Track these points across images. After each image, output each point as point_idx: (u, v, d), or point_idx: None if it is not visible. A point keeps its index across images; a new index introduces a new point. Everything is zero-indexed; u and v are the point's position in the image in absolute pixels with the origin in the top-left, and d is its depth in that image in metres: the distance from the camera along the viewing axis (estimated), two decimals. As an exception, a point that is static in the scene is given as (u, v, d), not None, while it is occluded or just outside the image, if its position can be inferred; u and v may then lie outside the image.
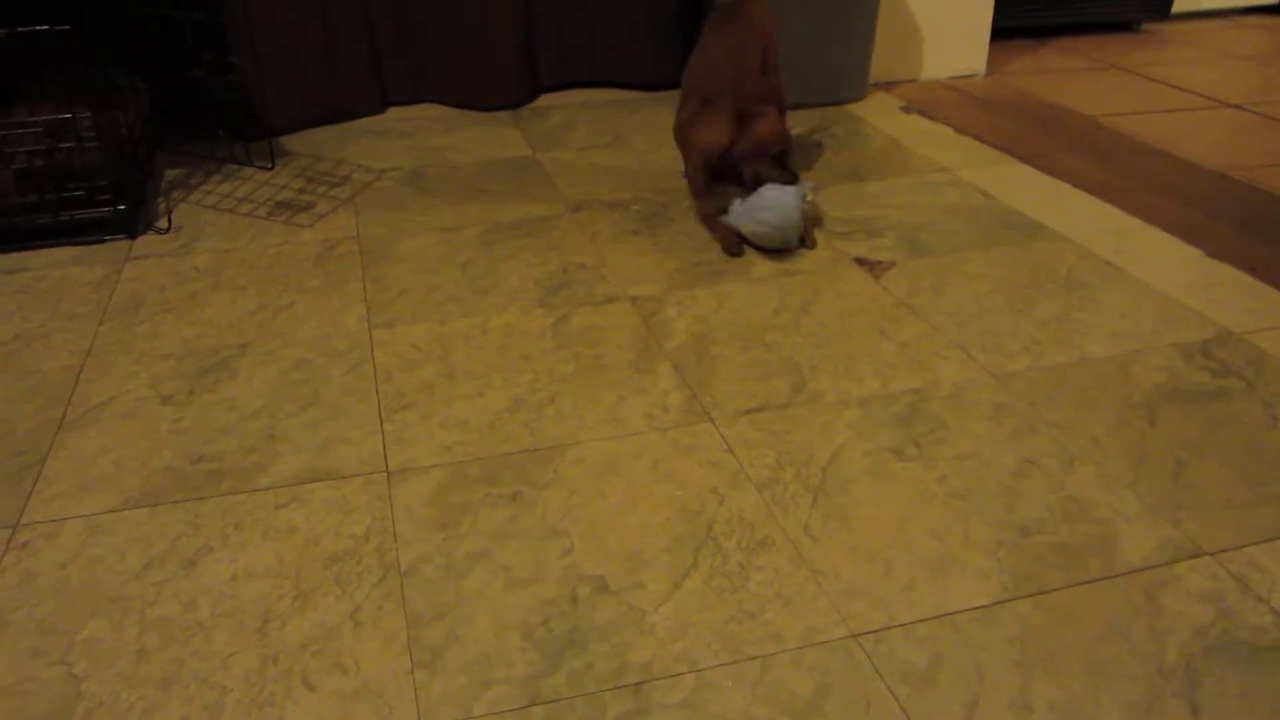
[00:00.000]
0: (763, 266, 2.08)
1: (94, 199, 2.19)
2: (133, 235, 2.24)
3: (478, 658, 1.15)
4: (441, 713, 1.08)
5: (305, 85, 2.92)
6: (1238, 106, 3.19)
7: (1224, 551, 1.30)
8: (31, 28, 2.10)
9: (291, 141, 2.86)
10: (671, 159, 2.70)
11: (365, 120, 3.06)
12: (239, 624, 1.20)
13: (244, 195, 2.47)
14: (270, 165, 2.66)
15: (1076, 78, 3.41)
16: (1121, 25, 4.12)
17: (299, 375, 1.71)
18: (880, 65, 3.35)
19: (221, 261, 2.13)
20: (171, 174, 2.61)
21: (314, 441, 1.54)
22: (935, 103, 3.19)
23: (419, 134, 2.93)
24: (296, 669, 1.14)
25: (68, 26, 2.11)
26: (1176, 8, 4.33)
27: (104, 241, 2.21)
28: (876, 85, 3.36)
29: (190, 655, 1.16)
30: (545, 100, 3.25)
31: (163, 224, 2.30)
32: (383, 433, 1.56)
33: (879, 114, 3.09)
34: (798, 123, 3.01)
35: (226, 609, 1.22)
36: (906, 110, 3.12)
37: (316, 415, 1.60)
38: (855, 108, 3.16)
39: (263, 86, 2.83)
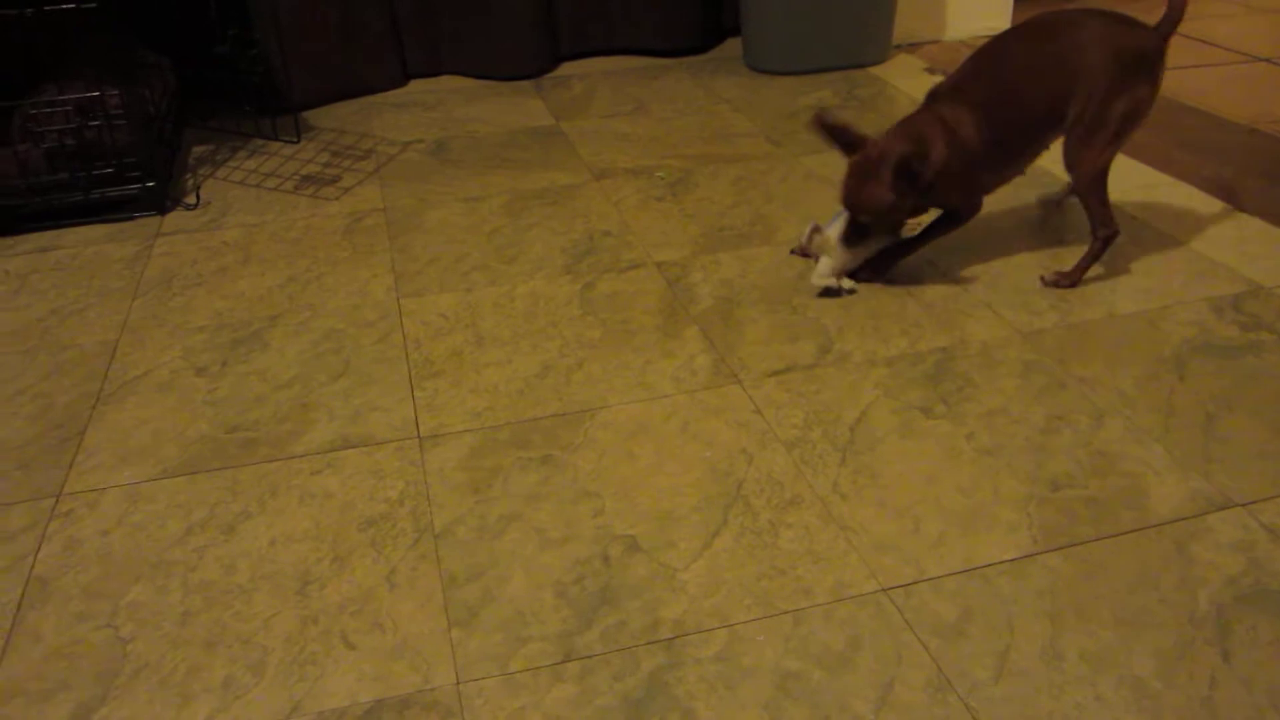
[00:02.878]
0: (787, 230, 2.08)
1: (123, 176, 2.21)
2: (162, 211, 2.26)
3: (512, 616, 1.17)
4: (478, 668, 1.10)
5: (328, 59, 2.93)
6: (1268, 60, 3.14)
7: (1255, 503, 1.30)
8: (58, 6, 2.12)
9: (315, 116, 2.88)
10: (691, 124, 2.70)
11: (388, 93, 3.07)
12: (278, 587, 1.22)
13: (270, 170, 2.49)
14: (296, 139, 2.67)
15: (1103, 35, 3.35)
16: (1149, -19, 4.06)
17: (330, 345, 1.73)
18: (904, 26, 3.31)
19: (250, 235, 2.15)
20: (199, 150, 2.63)
21: (346, 409, 1.56)
22: (959, 63, 3.16)
23: (441, 106, 2.94)
24: (336, 629, 1.16)
25: (94, 4, 2.13)
26: (1205, -39, 4.25)
27: (134, 218, 2.24)
28: (900, 47, 3.33)
29: (232, 617, 1.18)
30: (566, 69, 3.25)
31: (191, 199, 2.33)
32: (414, 399, 1.57)
33: (903, 76, 3.07)
34: (823, 85, 3.00)
35: (266, 572, 1.25)
36: (931, 72, 3.10)
37: (348, 384, 1.62)
38: (879, 70, 3.13)
39: (286, 61, 2.84)
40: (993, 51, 1.78)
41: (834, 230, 1.79)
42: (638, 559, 1.24)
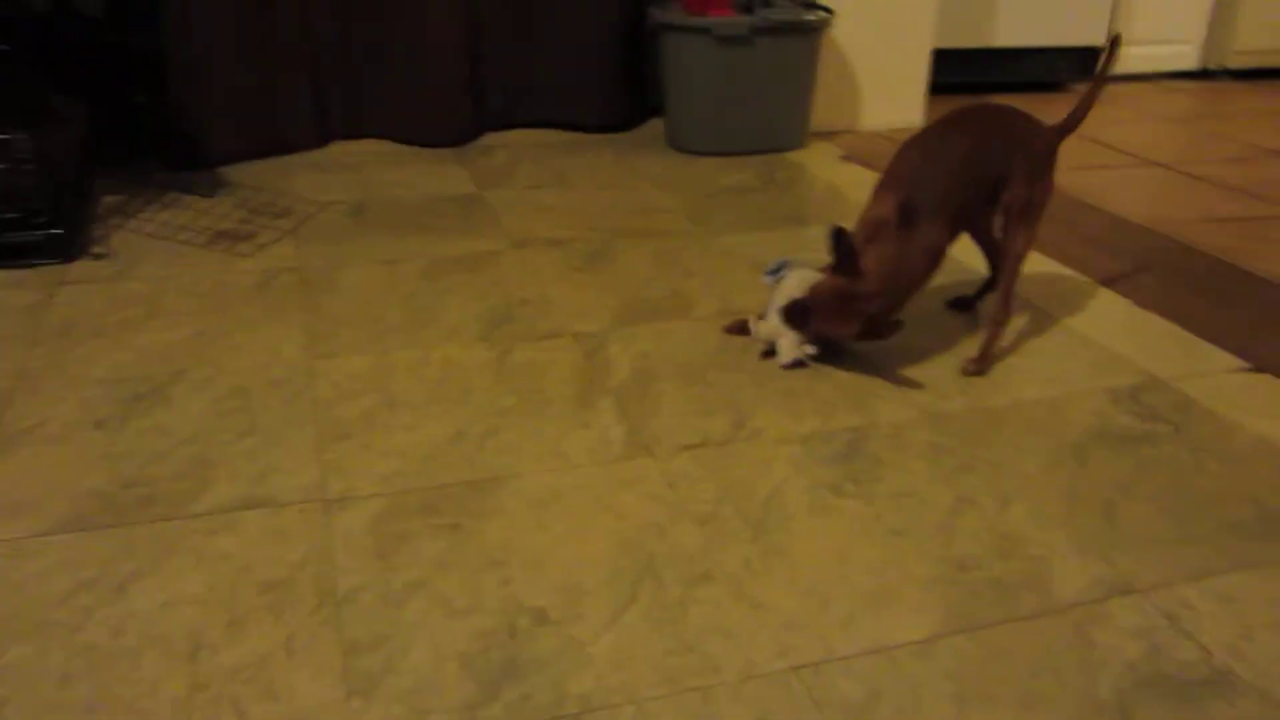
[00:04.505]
0: (705, 306, 2.10)
1: (29, 222, 2.15)
2: (68, 260, 2.20)
3: (414, 687, 1.13)
4: (376, 743, 1.06)
5: (246, 116, 2.91)
6: (1164, 165, 3.31)
7: (1154, 589, 1.33)
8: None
9: (232, 172, 2.84)
10: (612, 199, 2.73)
11: (308, 153, 3.05)
12: (168, 650, 1.17)
13: (183, 224, 2.44)
14: (210, 194, 2.63)
15: (1010, 134, 3.50)
16: (1052, 85, 4.26)
17: (236, 403, 1.68)
18: (821, 115, 3.42)
19: (158, 288, 2.09)
20: (110, 200, 2.57)
21: (250, 469, 1.51)
22: (874, 153, 3.27)
23: (362, 168, 2.92)
24: (227, 695, 1.11)
25: (5, 47, 2.08)
26: (1104, 71, 4.48)
27: (38, 266, 2.16)
28: (817, 134, 3.43)
29: (116, 681, 1.12)
30: (490, 139, 3.27)
31: (99, 250, 2.26)
32: (321, 462, 1.53)
33: (819, 162, 3.15)
34: (743, 168, 3.06)
35: (155, 635, 1.19)
36: (846, 159, 3.19)
37: (253, 443, 1.58)
38: (796, 155, 3.22)
39: (202, 115, 2.81)
40: (944, 145, 1.81)
41: (775, 316, 1.84)
42: (545, 631, 1.22)
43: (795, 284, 1.84)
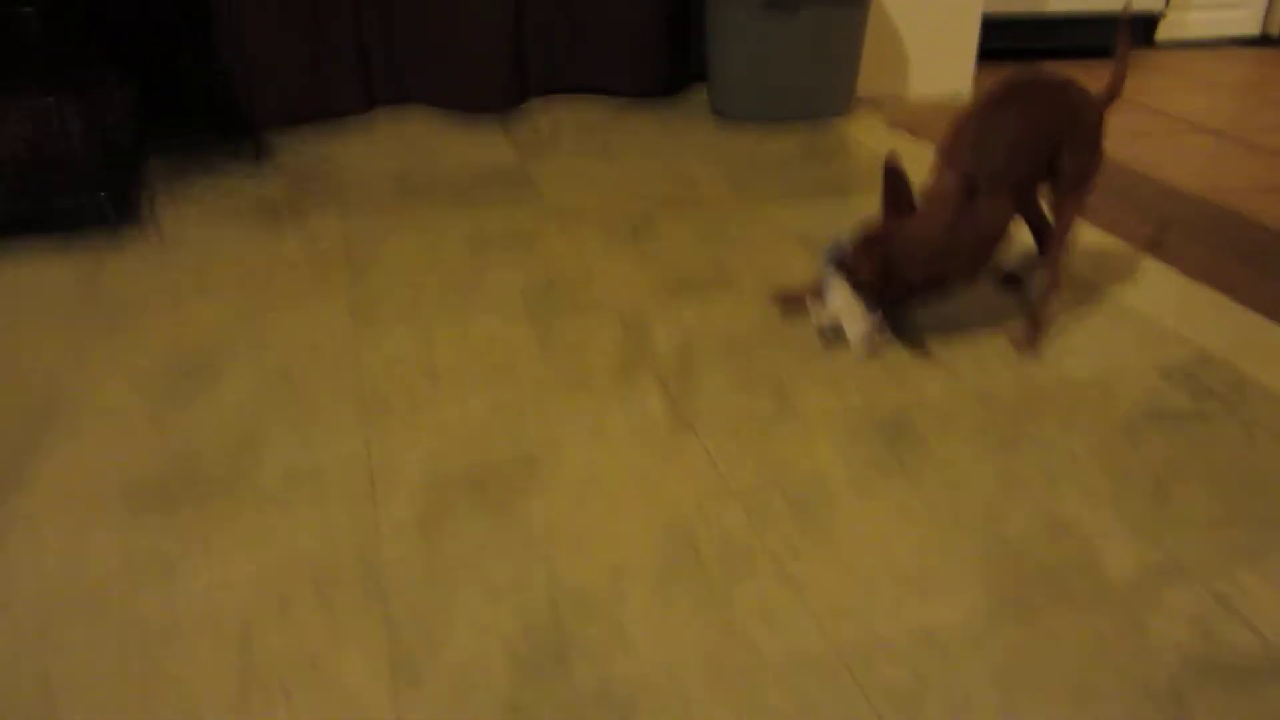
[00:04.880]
0: (748, 279, 2.08)
1: (77, 190, 2.16)
2: (115, 228, 2.21)
3: (459, 671, 1.14)
4: (421, 724, 1.07)
5: (293, 82, 2.91)
6: (1219, 133, 3.22)
7: (1206, 571, 1.30)
8: (10, 9, 2.07)
9: (278, 139, 2.84)
10: (654, 168, 2.70)
11: (352, 119, 3.05)
12: (219, 635, 1.18)
13: (228, 190, 2.45)
14: (256, 161, 2.63)
15: (1060, 99, 3.42)
16: (1104, 51, 4.16)
17: (281, 379, 1.69)
18: (867, 83, 3.36)
19: (205, 259, 2.10)
20: (156, 168, 2.58)
21: (297, 446, 1.52)
22: (920, 121, 3.21)
23: (406, 136, 2.92)
24: (276, 682, 1.12)
25: (30, 7, 2.07)
26: (1159, 36, 4.38)
27: (86, 234, 2.18)
28: (863, 101, 3.37)
29: (168, 659, 1.14)
30: (534, 105, 3.25)
31: (146, 218, 2.28)
32: (365, 438, 1.54)
33: (865, 130, 3.10)
34: (786, 135, 3.02)
35: (205, 615, 1.20)
36: (892, 128, 3.14)
37: (299, 419, 1.58)
38: (841, 123, 3.17)
39: (250, 83, 2.81)
40: (1006, 118, 1.75)
41: (838, 298, 1.79)
42: (588, 614, 1.22)
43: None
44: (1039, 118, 1.76)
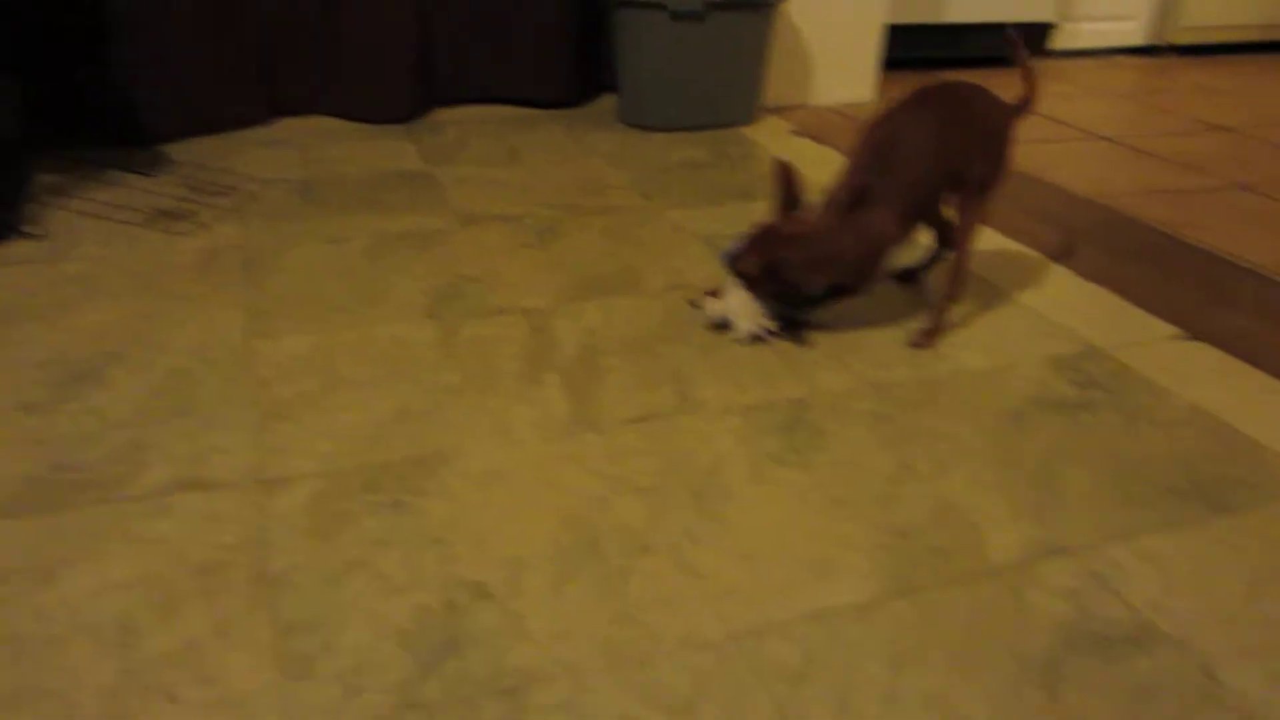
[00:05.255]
0: (654, 281, 2.10)
1: (-41, 203, 2.10)
2: (3, 238, 2.15)
3: (350, 666, 1.13)
4: (311, 720, 1.06)
5: (190, 92, 2.86)
6: (1108, 139, 3.34)
7: (1085, 550, 1.35)
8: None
9: (175, 149, 2.79)
10: (563, 175, 2.72)
11: (253, 130, 3.01)
12: (98, 638, 1.15)
13: (123, 202, 2.40)
14: (150, 172, 2.58)
15: (959, 107, 3.53)
16: (1002, 60, 4.29)
17: (173, 384, 1.66)
18: (773, 91, 3.42)
19: (96, 269, 2.06)
20: (46, 178, 2.52)
21: (187, 452, 1.49)
22: (825, 128, 3.27)
23: (309, 145, 2.89)
24: (157, 682, 1.10)
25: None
26: (1052, 45, 4.53)
27: (-30, 248, 2.12)
28: (769, 110, 3.43)
29: (43, 670, 1.11)
30: (441, 115, 3.24)
31: (35, 229, 2.22)
32: (259, 443, 1.52)
33: (770, 137, 3.15)
34: (695, 143, 3.06)
35: (84, 623, 1.17)
36: (797, 134, 3.19)
37: (190, 425, 1.56)
38: (747, 130, 3.22)
39: (144, 91, 2.76)
40: (910, 128, 1.78)
41: (731, 295, 1.84)
42: (485, 606, 1.22)
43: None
44: (949, 126, 1.79)
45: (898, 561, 1.32)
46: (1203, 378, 1.80)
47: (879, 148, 1.78)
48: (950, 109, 1.81)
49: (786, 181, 1.78)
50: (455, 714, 1.07)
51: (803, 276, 1.78)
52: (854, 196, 1.75)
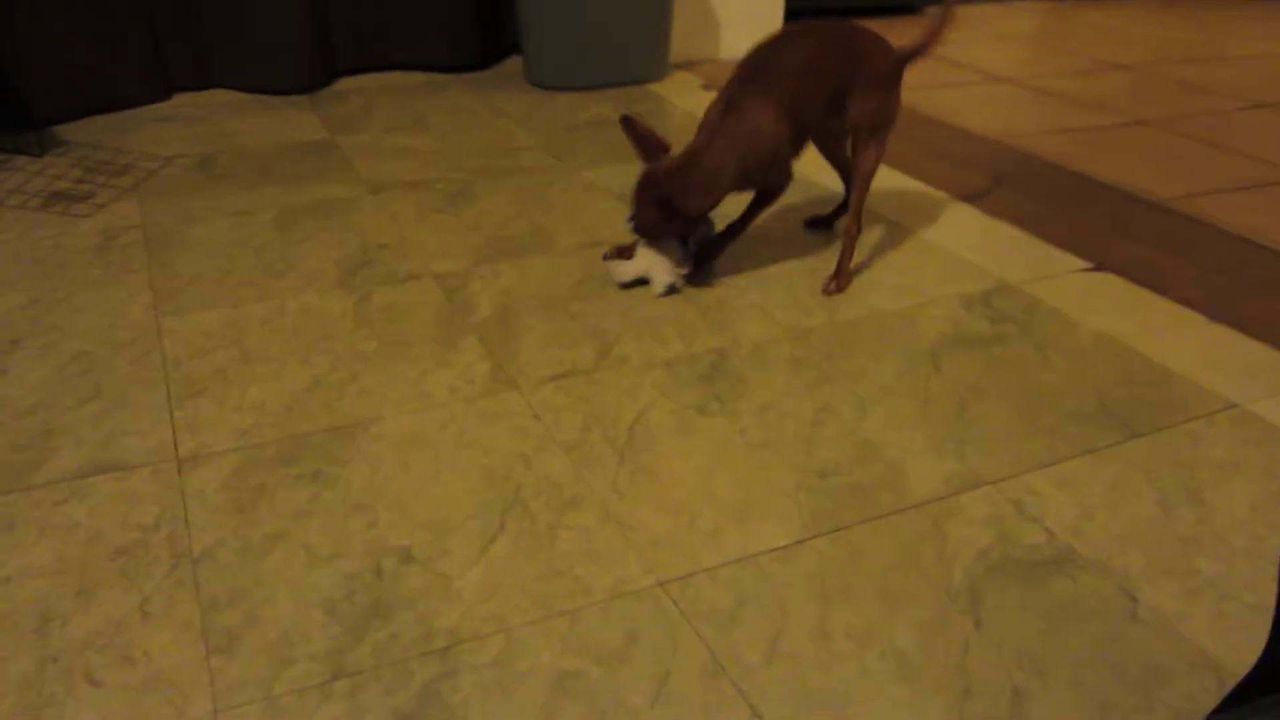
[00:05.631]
0: (568, 239, 2.08)
1: None
2: (-116, 231, 2.06)
3: (277, 638, 1.11)
4: (239, 694, 1.04)
5: (80, 71, 2.75)
6: (1012, 81, 3.39)
7: (1003, 480, 1.38)
8: None
9: (67, 130, 2.69)
10: (472, 139, 2.68)
11: (150, 107, 2.91)
12: (14, 626, 1.12)
13: (14, 186, 2.31)
14: (39, 153, 2.49)
15: (866, 56, 3.55)
16: (907, 8, 4.33)
17: (79, 368, 1.61)
18: (680, 46, 3.40)
19: (-12, 255, 1.98)
20: (-71, 166, 2.41)
21: (96, 435, 1.45)
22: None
23: (208, 120, 2.80)
24: (79, 666, 1.07)
25: None
26: (956, -9, 4.57)
27: None
28: (677, 65, 3.41)
29: (-44, 662, 1.07)
30: (344, 84, 3.17)
31: (-81, 218, 2.13)
32: (172, 421, 1.48)
33: (679, 93, 3.14)
34: (603, 101, 3.03)
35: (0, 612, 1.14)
36: (706, 88, 3.19)
37: (99, 408, 1.51)
38: (657, 87, 3.20)
39: (32, 71, 2.65)
40: (778, 49, 1.79)
41: (644, 254, 1.85)
42: (412, 570, 1.21)
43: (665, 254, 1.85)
44: (823, 54, 1.79)
45: (822, 502, 1.33)
46: (1110, 307, 1.84)
47: (753, 66, 1.79)
48: (827, 40, 1.81)
49: (636, 133, 1.79)
50: (387, 678, 1.06)
51: (698, 198, 1.77)
52: (725, 107, 1.76)
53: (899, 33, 1.93)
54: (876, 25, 1.93)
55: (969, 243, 2.10)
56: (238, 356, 1.65)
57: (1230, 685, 1.06)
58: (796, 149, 1.84)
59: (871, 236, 2.11)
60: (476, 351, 1.67)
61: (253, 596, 1.17)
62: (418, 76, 3.26)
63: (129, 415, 1.49)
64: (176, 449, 1.42)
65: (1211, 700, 1.06)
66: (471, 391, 1.56)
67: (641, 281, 1.87)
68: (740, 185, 1.81)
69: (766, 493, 1.35)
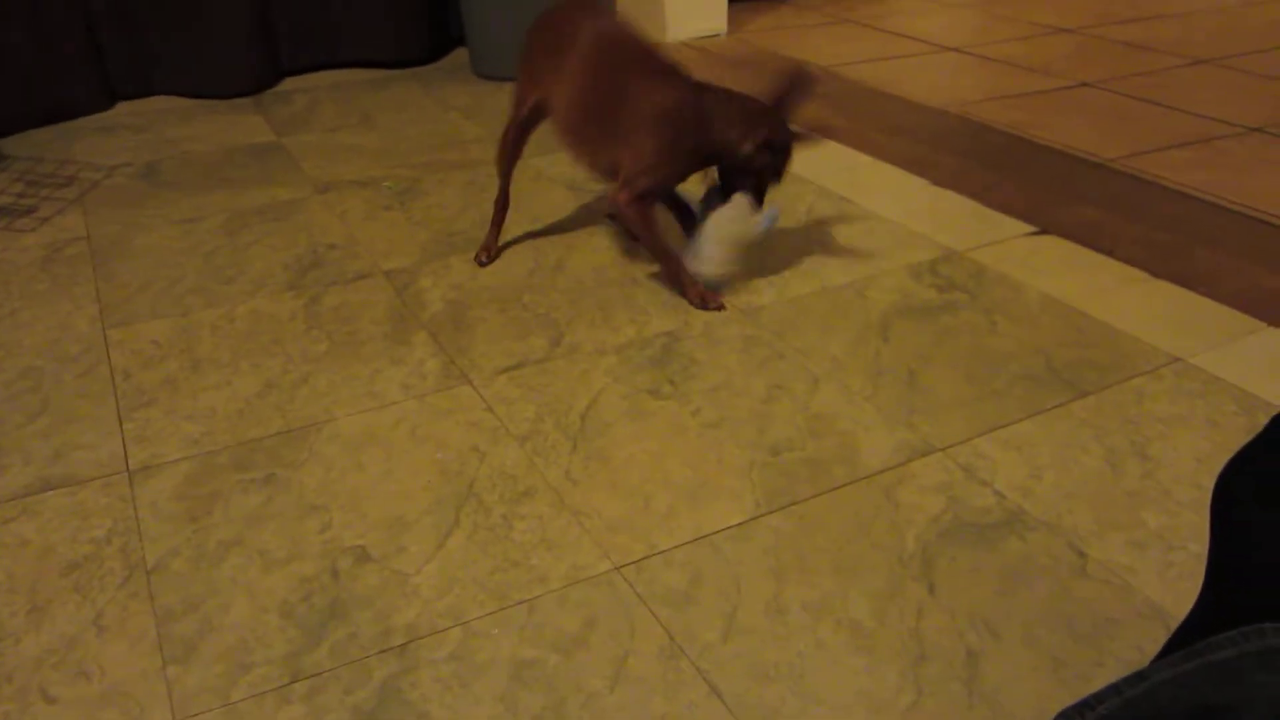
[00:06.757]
0: (518, 229, 2.08)
1: None
2: None
3: (234, 644, 1.11)
4: (197, 702, 1.04)
5: (19, 83, 2.71)
6: (957, 50, 3.41)
7: (953, 446, 1.40)
8: None
9: (8, 144, 2.65)
10: (419, 134, 2.66)
11: (92, 117, 2.87)
12: (-35, 647, 1.11)
13: (-47, 204, 2.28)
14: (-18, 171, 2.45)
15: (812, 32, 3.56)
16: (851, -19, 4.33)
17: (25, 384, 1.59)
18: (625, 29, 3.38)
19: (-71, 275, 1.95)
20: None
21: (45, 451, 1.44)
22: (680, 62, 3.26)
23: (152, 127, 2.77)
24: (34, 684, 1.06)
25: None
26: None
27: None
28: (624, 49, 3.39)
29: (-91, 687, 1.07)
30: (289, 84, 3.14)
31: None
32: (122, 432, 1.47)
33: (627, 77, 3.13)
34: (548, 90, 3.02)
35: (-51, 634, 1.13)
36: (654, 71, 3.18)
37: (47, 423, 1.50)
38: (604, 72, 3.18)
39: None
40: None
41: (714, 247, 1.77)
42: (368, 569, 1.21)
43: (732, 213, 1.76)
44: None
45: (774, 478, 1.34)
46: (1056, 270, 1.86)
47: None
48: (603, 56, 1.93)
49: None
50: (346, 678, 1.06)
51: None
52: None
53: (847, 5, 1.93)
54: (825, 0, 1.93)
55: (916, 212, 2.11)
56: (188, 364, 1.64)
57: (1177, 635, 1.08)
58: None
59: (820, 211, 2.12)
60: (428, 348, 1.67)
61: (208, 604, 1.16)
62: (364, 73, 3.23)
63: (78, 429, 1.48)
64: (127, 460, 1.41)
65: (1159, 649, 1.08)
66: (423, 388, 1.56)
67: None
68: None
69: (720, 472, 1.36)
